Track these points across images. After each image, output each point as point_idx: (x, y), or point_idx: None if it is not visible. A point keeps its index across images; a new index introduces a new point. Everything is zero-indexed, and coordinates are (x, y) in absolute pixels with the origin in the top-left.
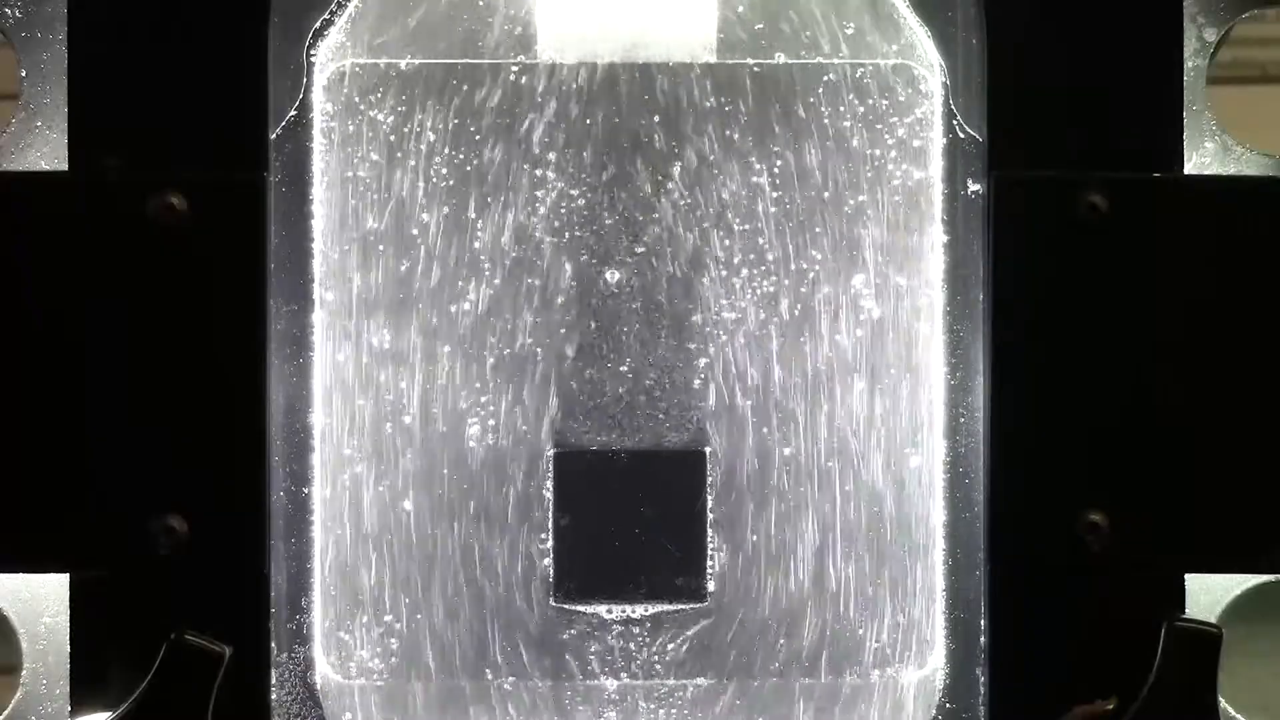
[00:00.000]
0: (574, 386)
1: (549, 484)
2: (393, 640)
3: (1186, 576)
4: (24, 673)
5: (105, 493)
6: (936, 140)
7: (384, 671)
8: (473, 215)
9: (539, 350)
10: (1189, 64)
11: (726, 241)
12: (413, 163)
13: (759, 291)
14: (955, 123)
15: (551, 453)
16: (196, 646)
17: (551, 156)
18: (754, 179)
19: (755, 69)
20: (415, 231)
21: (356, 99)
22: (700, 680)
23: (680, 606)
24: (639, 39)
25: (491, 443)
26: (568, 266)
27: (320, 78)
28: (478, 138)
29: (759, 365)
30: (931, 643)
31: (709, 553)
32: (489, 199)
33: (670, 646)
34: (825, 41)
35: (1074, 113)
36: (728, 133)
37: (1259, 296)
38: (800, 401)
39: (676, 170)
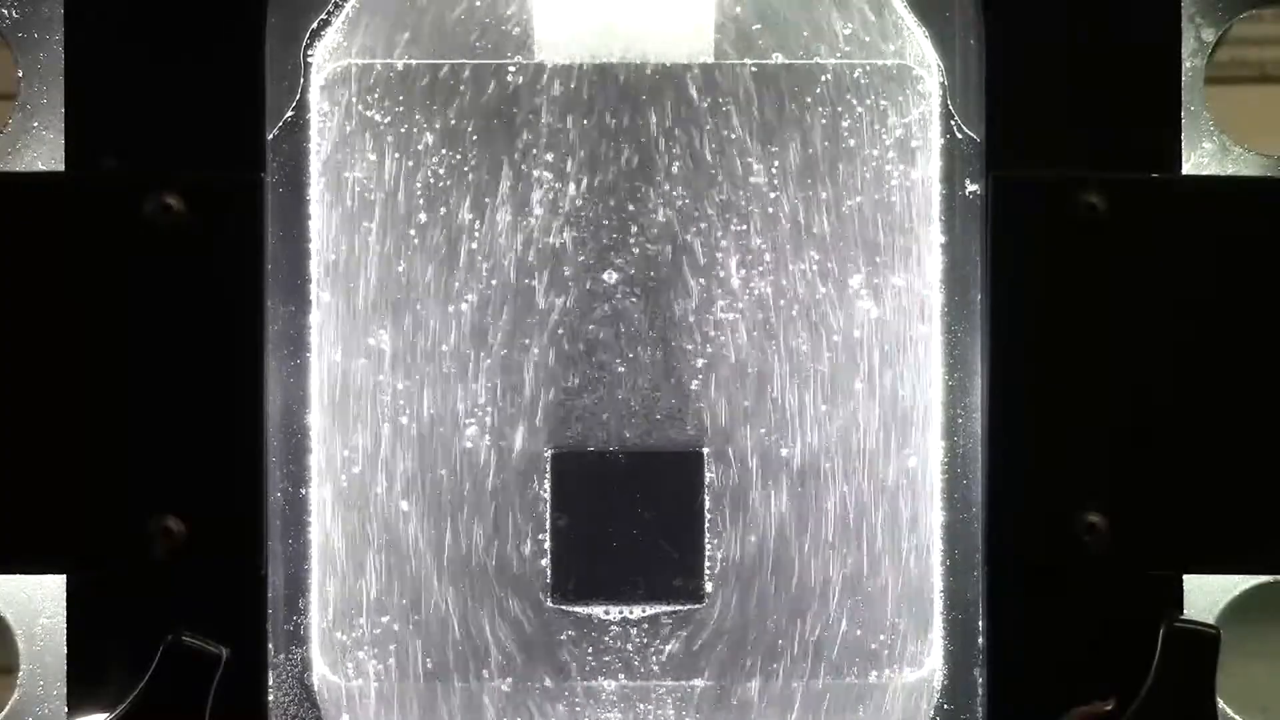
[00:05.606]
0: (572, 387)
1: (546, 484)
2: (390, 641)
3: (1185, 577)
4: (21, 674)
5: (103, 494)
6: (934, 140)
7: (381, 673)
8: (470, 215)
9: (537, 350)
10: (1187, 64)
11: (724, 242)
12: (410, 163)
13: (757, 291)
14: (953, 123)
15: (549, 453)
16: (194, 648)
17: (549, 157)
18: (752, 179)
19: (753, 69)
20: (412, 232)
21: (354, 99)
22: (698, 681)
23: (678, 607)
24: (636, 39)
25: (489, 443)
26: (565, 267)
27: (317, 78)
28: (474, 138)
29: (757, 365)
30: (930, 644)
31: (707, 553)
32: (486, 199)
33: (668, 647)
34: (823, 42)
35: (1072, 113)
36: (725, 133)
37: (1257, 296)
38: (798, 402)
39: (674, 170)
